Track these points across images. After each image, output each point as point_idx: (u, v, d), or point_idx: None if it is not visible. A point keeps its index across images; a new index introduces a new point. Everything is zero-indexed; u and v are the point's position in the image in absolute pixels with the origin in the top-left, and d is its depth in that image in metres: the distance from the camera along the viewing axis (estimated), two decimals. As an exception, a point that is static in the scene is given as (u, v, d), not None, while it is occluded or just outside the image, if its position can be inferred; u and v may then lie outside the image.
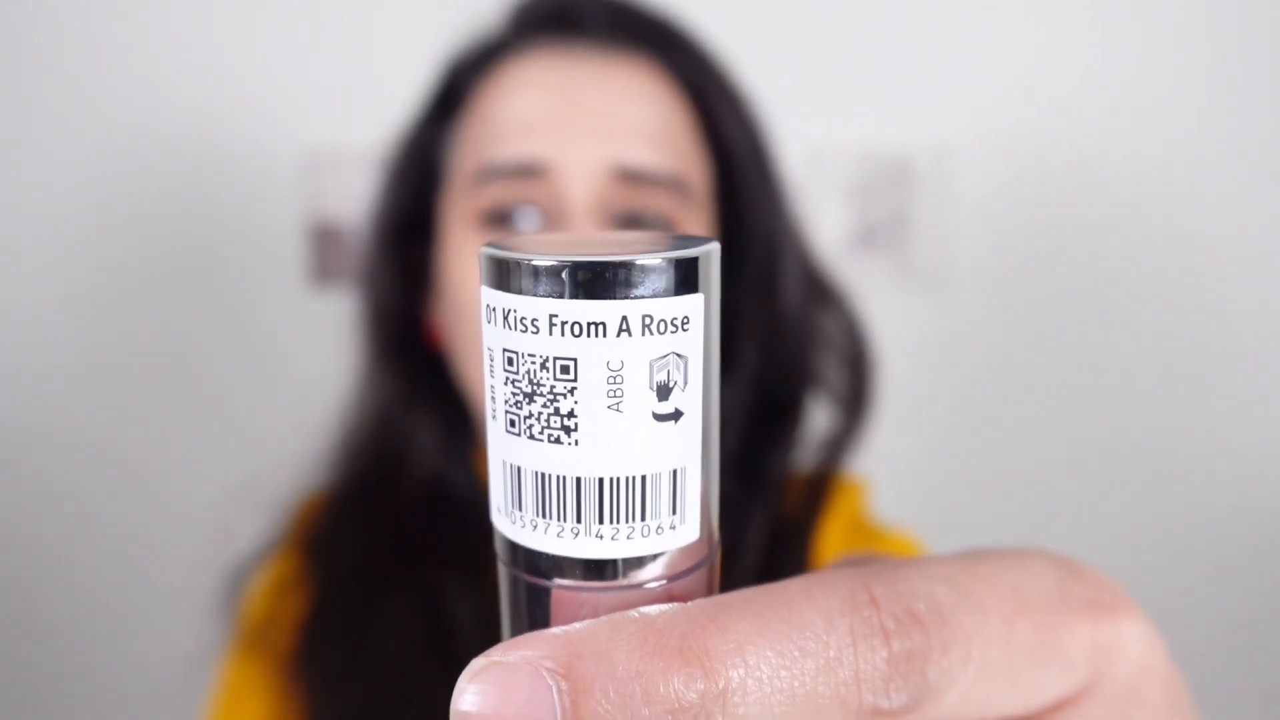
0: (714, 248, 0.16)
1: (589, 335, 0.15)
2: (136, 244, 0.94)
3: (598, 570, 0.15)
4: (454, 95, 0.51)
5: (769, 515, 0.50)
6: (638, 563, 0.16)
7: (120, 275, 0.94)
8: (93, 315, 0.95)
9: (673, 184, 0.46)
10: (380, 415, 0.53)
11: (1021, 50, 0.94)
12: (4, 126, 0.92)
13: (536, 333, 0.15)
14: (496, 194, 0.46)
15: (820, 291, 0.53)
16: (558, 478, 0.15)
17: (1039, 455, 0.99)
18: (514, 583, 0.16)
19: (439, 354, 0.53)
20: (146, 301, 0.95)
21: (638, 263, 0.15)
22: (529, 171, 0.45)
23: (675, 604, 0.15)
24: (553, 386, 0.15)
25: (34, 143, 0.92)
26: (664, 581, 0.16)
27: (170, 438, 0.95)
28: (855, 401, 0.53)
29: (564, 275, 0.14)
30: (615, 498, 0.15)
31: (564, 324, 0.15)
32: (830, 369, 0.53)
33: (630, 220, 0.46)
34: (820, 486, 0.53)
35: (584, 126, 0.45)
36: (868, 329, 0.54)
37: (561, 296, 0.15)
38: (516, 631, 0.16)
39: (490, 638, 0.39)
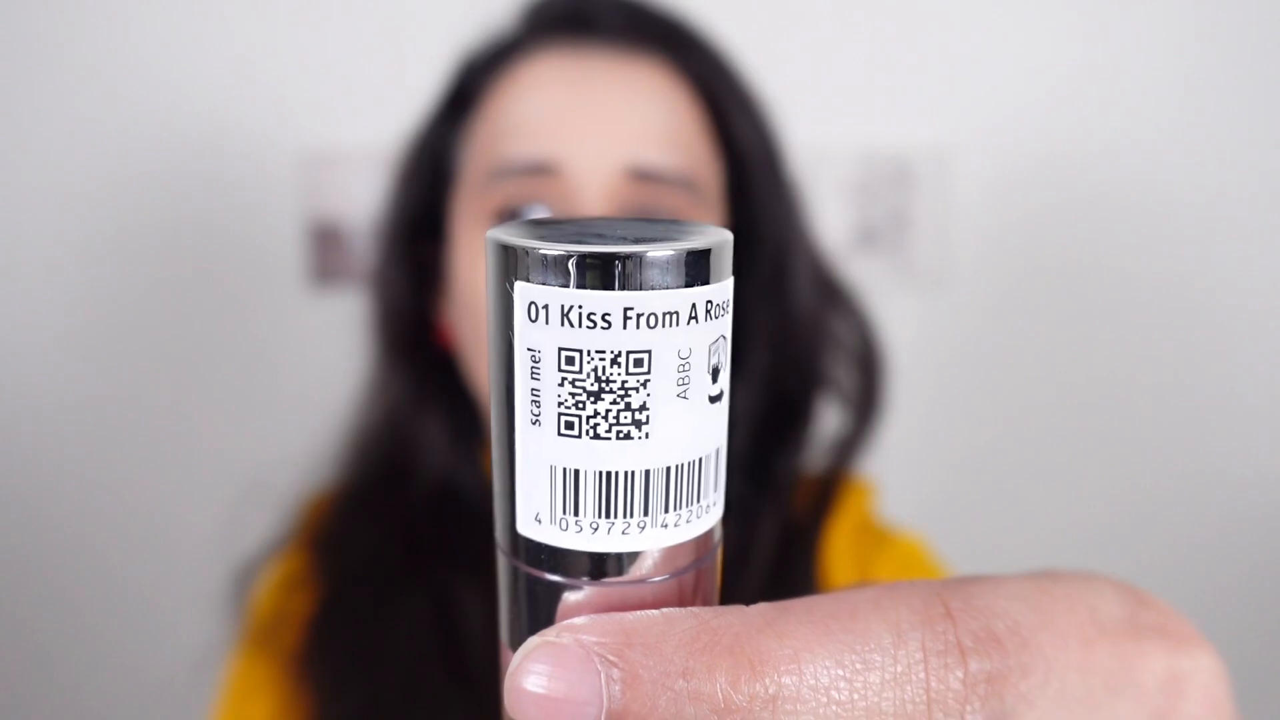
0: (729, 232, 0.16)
1: (664, 325, 0.14)
2: (136, 243, 0.94)
3: (643, 560, 0.15)
4: (466, 94, 0.51)
5: (778, 516, 0.50)
6: (681, 547, 0.16)
7: (121, 273, 0.94)
8: (94, 312, 0.94)
9: (684, 184, 0.46)
10: (389, 414, 0.53)
11: (1021, 50, 0.94)
12: (2, 122, 0.92)
13: (608, 327, 0.14)
14: (509, 193, 0.46)
15: (831, 293, 0.53)
16: (626, 474, 0.15)
17: (1040, 454, 0.99)
18: (546, 585, 0.16)
19: (449, 353, 0.53)
20: (146, 300, 0.95)
21: (706, 248, 0.15)
22: (541, 170, 0.45)
23: (735, 606, 0.14)
24: (624, 381, 0.14)
25: (32, 140, 0.92)
26: (699, 562, 0.16)
27: (172, 436, 0.95)
28: (866, 403, 0.53)
29: (640, 266, 0.14)
30: (680, 484, 0.15)
31: (639, 316, 0.14)
32: (840, 370, 0.53)
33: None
34: (828, 488, 0.53)
35: (596, 126, 0.45)
36: (879, 331, 0.54)
37: (636, 288, 0.14)
38: (533, 628, 0.16)
39: (499, 642, 0.39)
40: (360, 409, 0.56)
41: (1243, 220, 0.96)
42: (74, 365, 0.95)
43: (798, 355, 0.51)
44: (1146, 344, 0.98)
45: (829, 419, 0.54)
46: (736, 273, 0.49)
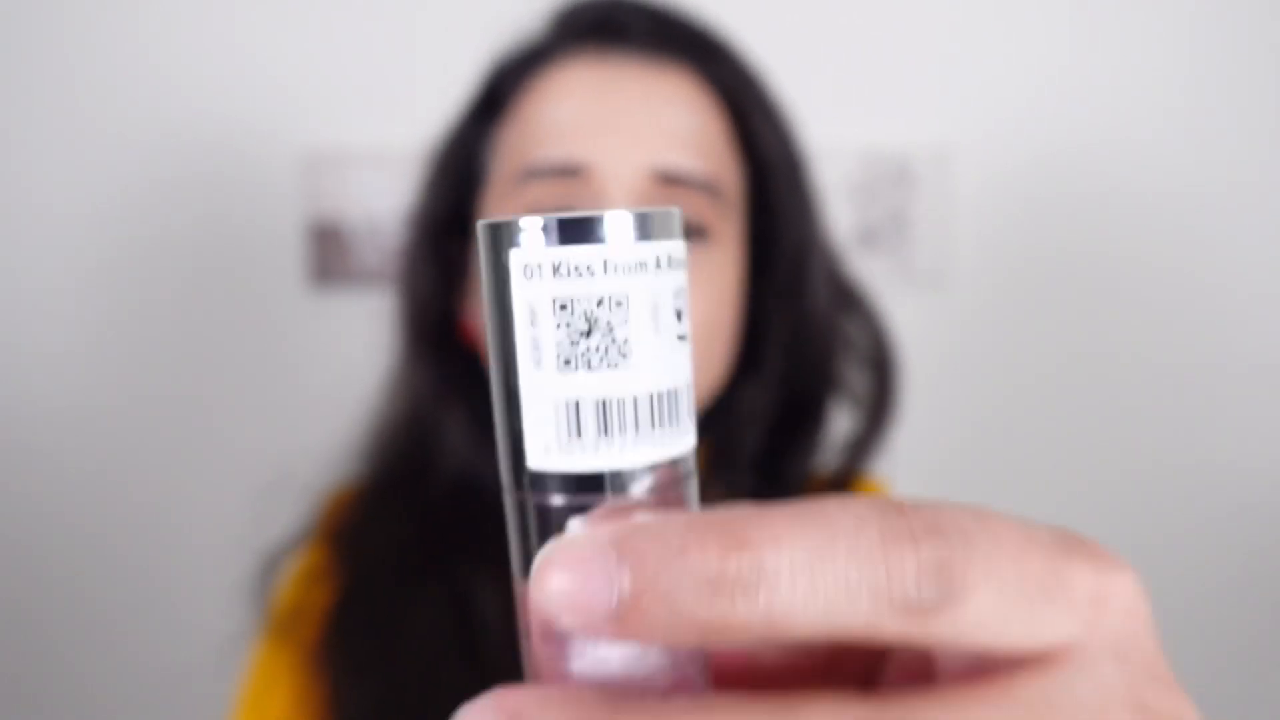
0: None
1: (636, 272, 0.18)
2: (141, 243, 0.94)
3: (638, 477, 0.18)
4: (497, 98, 0.52)
5: None
6: (669, 466, 0.19)
7: (127, 273, 0.94)
8: (104, 311, 0.94)
9: (708, 187, 0.47)
10: (412, 409, 0.54)
11: (1020, 49, 0.95)
12: (5, 122, 0.92)
13: (594, 275, 0.18)
14: (537, 194, 0.47)
15: (846, 296, 0.54)
16: (618, 400, 0.18)
17: (1041, 454, 0.99)
18: (556, 510, 0.19)
19: (474, 351, 0.54)
20: (155, 299, 0.95)
21: (668, 212, 0.18)
22: (569, 172, 0.46)
23: (722, 508, 0.16)
24: (609, 320, 0.18)
25: (31, 141, 0.92)
26: (682, 481, 0.19)
27: (191, 433, 0.95)
28: (879, 405, 0.54)
29: (619, 224, 0.18)
30: (662, 409, 0.18)
31: (617, 266, 0.18)
32: (854, 373, 0.54)
33: None
34: (840, 488, 0.53)
35: (623, 130, 0.47)
36: (892, 334, 0.55)
37: (614, 242, 0.18)
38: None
39: (516, 630, 0.40)
40: (383, 404, 0.56)
41: (1243, 219, 0.96)
42: (87, 364, 0.95)
43: (813, 357, 0.52)
44: (1147, 342, 0.98)
45: (841, 421, 0.55)
46: (756, 274, 0.50)
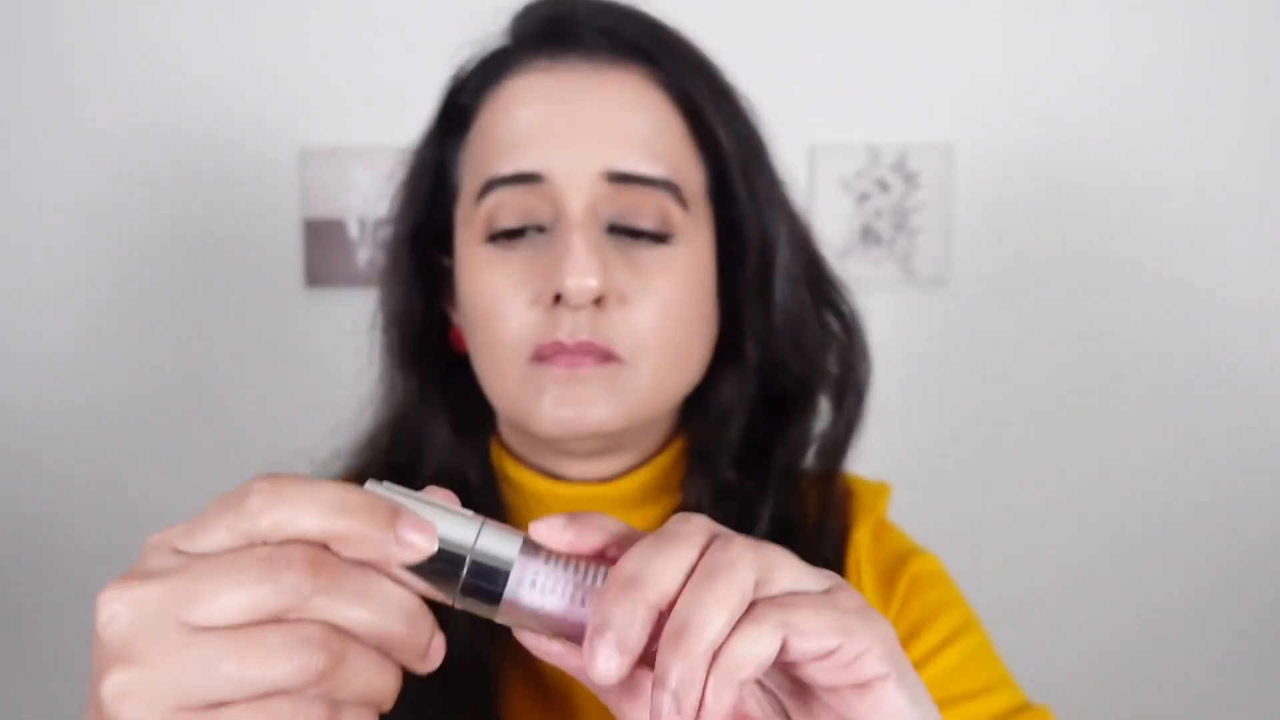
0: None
1: None
2: (136, 242, 0.94)
3: None
4: (462, 112, 0.53)
5: (778, 507, 0.51)
6: None
7: (120, 271, 0.94)
8: (104, 308, 0.95)
9: (665, 185, 0.48)
10: (396, 414, 0.55)
11: (1021, 49, 0.95)
12: (7, 121, 0.92)
13: None
14: (496, 205, 0.48)
15: (818, 284, 0.54)
16: None
17: (1041, 451, 0.99)
18: None
19: (464, 354, 0.54)
20: (144, 298, 0.95)
21: None
22: (526, 181, 0.48)
23: None
24: None
25: (30, 139, 0.93)
26: None
27: (175, 431, 0.96)
28: (844, 383, 0.54)
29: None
30: None
31: None
32: (829, 360, 0.54)
33: (624, 226, 0.48)
34: (824, 484, 0.54)
35: (576, 136, 0.48)
36: (859, 314, 0.55)
37: None
38: None
39: (485, 630, 0.39)
40: (367, 408, 0.57)
41: (1243, 216, 0.96)
42: (84, 362, 0.95)
43: (788, 345, 0.52)
44: (1147, 339, 0.98)
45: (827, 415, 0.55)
46: (725, 269, 0.50)
